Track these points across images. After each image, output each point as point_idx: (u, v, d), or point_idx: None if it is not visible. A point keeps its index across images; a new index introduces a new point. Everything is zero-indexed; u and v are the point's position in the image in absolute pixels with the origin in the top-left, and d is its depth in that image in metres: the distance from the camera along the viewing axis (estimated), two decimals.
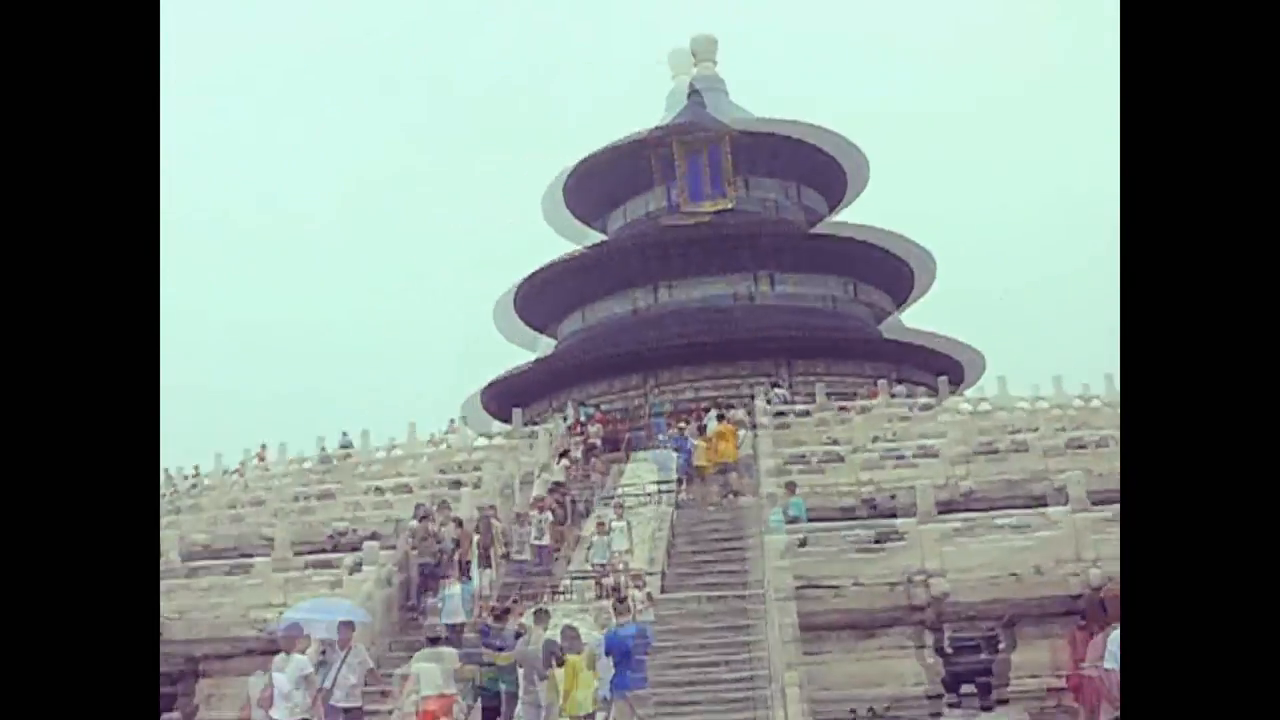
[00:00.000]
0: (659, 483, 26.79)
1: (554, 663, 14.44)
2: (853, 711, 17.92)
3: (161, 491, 36.04)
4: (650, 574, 20.29)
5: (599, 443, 32.31)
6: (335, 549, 25.13)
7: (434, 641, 15.73)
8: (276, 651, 14.48)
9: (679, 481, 27.11)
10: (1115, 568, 15.94)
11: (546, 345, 53.63)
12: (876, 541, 20.06)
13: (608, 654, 14.37)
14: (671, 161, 50.60)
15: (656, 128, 52.58)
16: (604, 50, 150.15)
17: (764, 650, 17.17)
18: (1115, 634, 11.88)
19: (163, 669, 19.03)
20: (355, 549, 22.54)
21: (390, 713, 14.86)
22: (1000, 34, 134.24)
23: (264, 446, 39.05)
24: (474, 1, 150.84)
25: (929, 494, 20.17)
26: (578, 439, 32.44)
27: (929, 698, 17.29)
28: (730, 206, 49.90)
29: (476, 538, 21.00)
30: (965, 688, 16.57)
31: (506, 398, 45.65)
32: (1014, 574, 18.69)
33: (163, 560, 23.36)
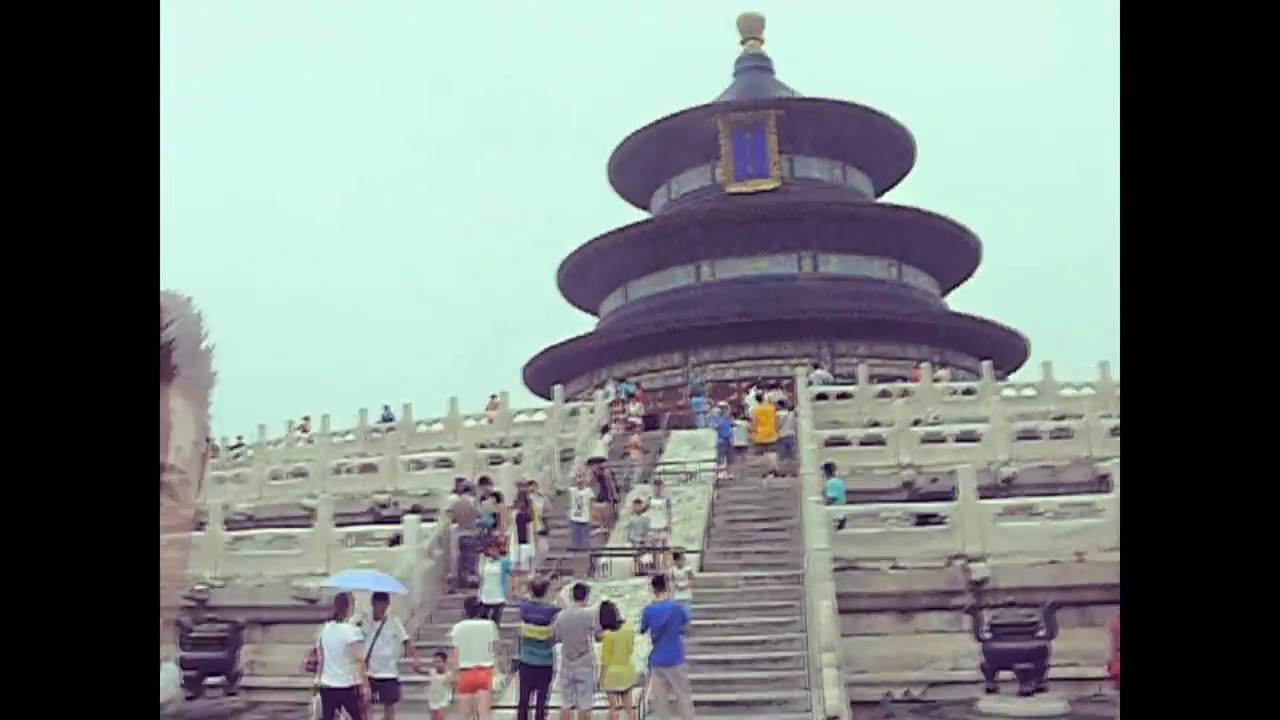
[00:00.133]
0: (698, 461, 26.77)
1: (592, 637, 14.48)
2: (890, 693, 17.86)
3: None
4: (690, 552, 20.29)
5: (639, 421, 32.31)
6: (376, 521, 25.35)
7: (473, 613, 15.82)
8: (317, 619, 14.66)
9: (719, 461, 27.08)
10: None
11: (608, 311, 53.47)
12: (917, 524, 19.96)
13: (645, 630, 14.38)
14: (717, 139, 50.36)
15: (702, 105, 52.32)
16: (604, 50, 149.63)
17: (802, 630, 17.14)
18: None
19: (207, 634, 19.31)
20: (396, 521, 22.71)
21: (428, 683, 14.97)
22: (1042, 6, 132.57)
23: (307, 418, 39.41)
24: (474, 1, 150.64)
25: (971, 477, 20.02)
26: (618, 416, 32.47)
27: (967, 683, 17.19)
28: (775, 185, 49.63)
29: (515, 513, 21.07)
30: (1004, 673, 16.43)
31: (547, 374, 45.78)
32: (1055, 560, 18.54)
33: (207, 529, 23.68)
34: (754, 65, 56.32)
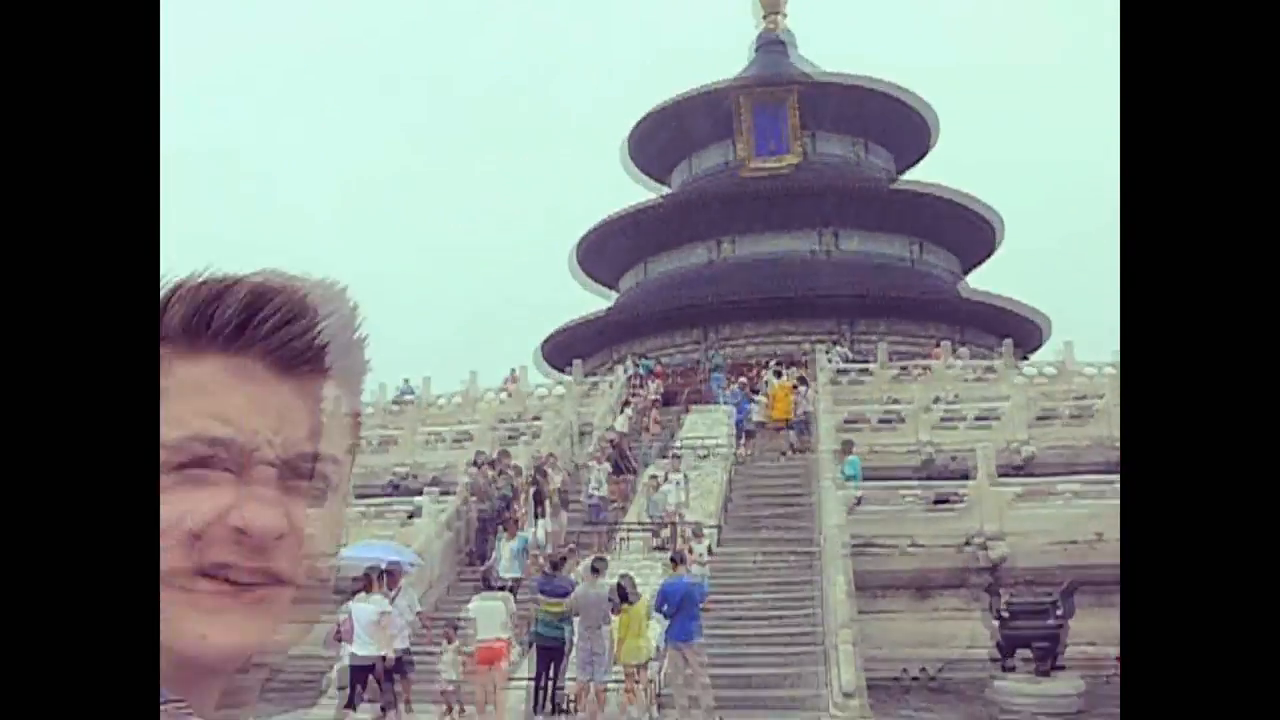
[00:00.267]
0: (716, 438, 26.79)
1: (609, 612, 14.55)
2: (905, 672, 17.91)
3: None
4: (708, 528, 20.34)
5: (657, 397, 32.32)
6: (395, 494, 25.47)
7: (489, 588, 15.91)
8: (336, 591, 14.75)
9: (736, 438, 27.10)
10: None
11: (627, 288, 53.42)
12: (936, 503, 19.96)
13: (663, 605, 14.44)
14: (738, 115, 50.15)
15: (723, 82, 52.08)
16: (604, 50, 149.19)
17: (819, 607, 17.18)
18: None
19: None
20: (415, 495, 22.82)
21: (442, 654, 15.08)
22: None
23: None
24: (474, 1, 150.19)
25: (989, 458, 19.99)
26: (637, 392, 32.48)
27: (983, 662, 17.21)
28: (796, 162, 49.41)
29: (532, 490, 21.13)
30: (1022, 653, 16.44)
31: (566, 350, 45.80)
32: (1074, 541, 18.50)
33: None
34: (773, 43, 55.96)
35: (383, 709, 14.26)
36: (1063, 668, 16.24)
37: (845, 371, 31.89)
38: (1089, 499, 19.04)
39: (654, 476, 22.16)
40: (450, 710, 14.94)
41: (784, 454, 26.57)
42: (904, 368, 31.71)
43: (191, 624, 0.78)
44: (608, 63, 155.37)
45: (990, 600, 17.01)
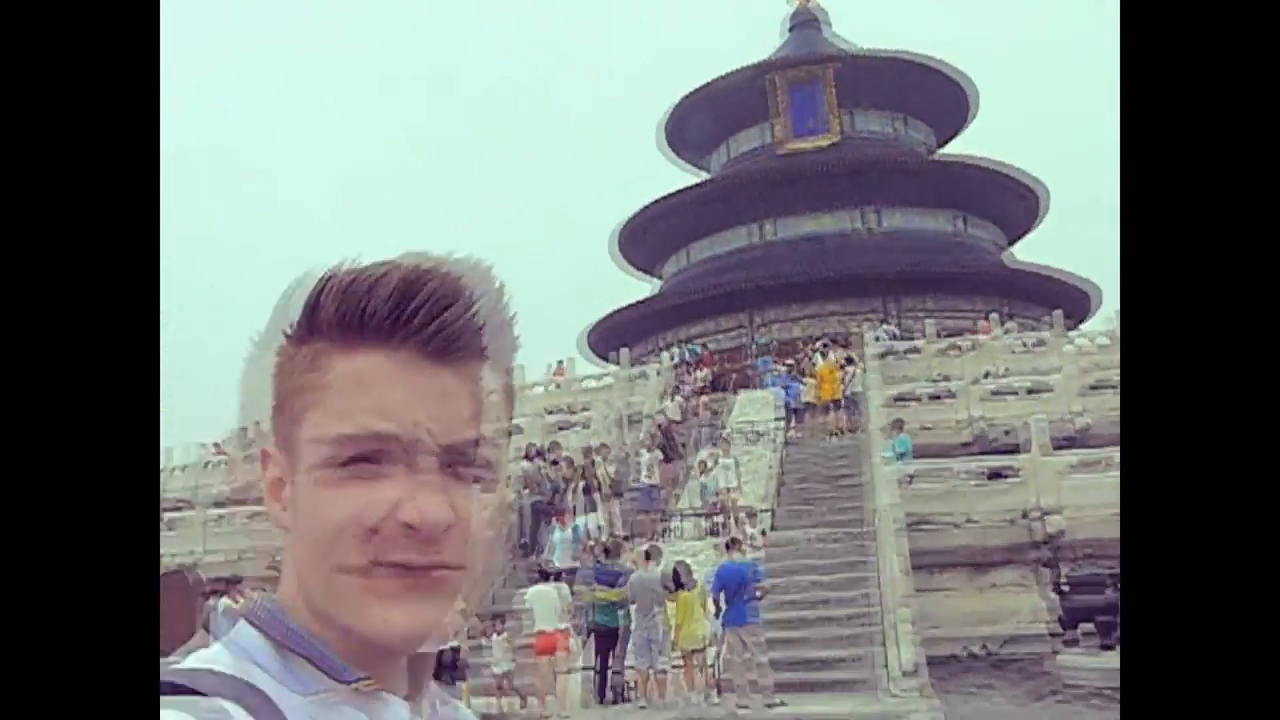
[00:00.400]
0: (766, 421, 26.73)
1: (663, 598, 14.58)
2: (965, 649, 17.78)
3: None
4: (761, 511, 20.31)
5: (706, 383, 32.30)
6: None
7: (545, 577, 15.97)
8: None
9: (786, 420, 27.02)
10: None
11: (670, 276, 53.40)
12: (990, 478, 19.78)
13: (720, 589, 14.44)
14: (773, 95, 49.87)
15: (759, 62, 51.81)
16: (604, 50, 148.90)
17: (876, 587, 17.11)
18: None
19: None
20: None
21: (490, 649, 15.16)
22: None
23: None
24: (474, 1, 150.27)
25: (1044, 429, 19.78)
26: (684, 379, 32.48)
27: (1045, 636, 17.05)
28: (834, 141, 49.07)
29: (580, 484, 21.14)
30: (1084, 626, 16.26)
31: (612, 338, 45.86)
32: None
33: None
34: (807, 22, 55.58)
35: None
36: None
37: (892, 349, 31.65)
38: None
39: (703, 462, 22.15)
40: (503, 694, 15.00)
41: (833, 434, 26.48)
42: (952, 343, 31.42)
43: (373, 611, 0.82)
44: (608, 63, 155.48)
45: (1049, 574, 16.85)
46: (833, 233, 47.33)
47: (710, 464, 21.77)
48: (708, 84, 51.88)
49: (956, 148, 53.90)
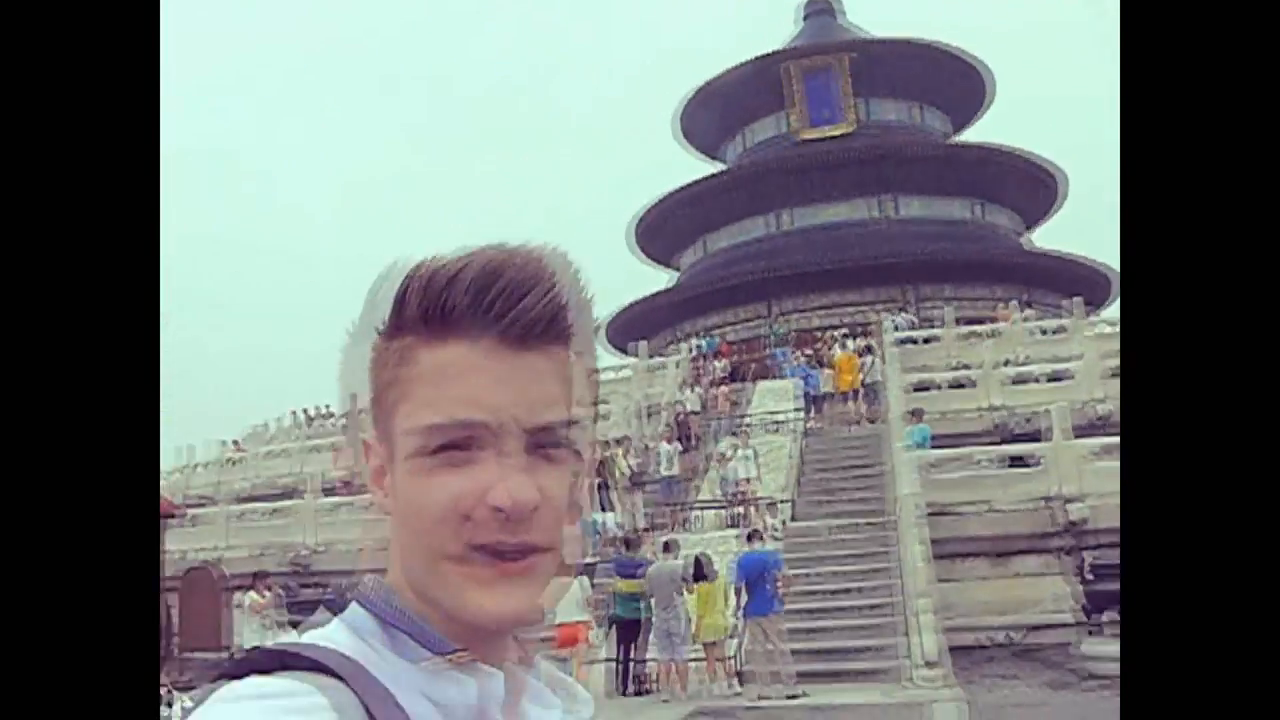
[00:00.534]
0: (785, 411, 26.70)
1: (684, 590, 14.59)
2: (988, 638, 17.72)
3: (297, 431, 37.34)
4: (780, 502, 20.29)
5: (724, 374, 32.29)
6: None
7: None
8: None
9: (805, 410, 26.99)
10: None
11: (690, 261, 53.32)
12: (1010, 466, 19.70)
13: (740, 580, 14.45)
14: (788, 84, 49.72)
15: (773, 52, 51.67)
16: (604, 50, 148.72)
17: (896, 577, 17.07)
18: None
19: (312, 598, 19.87)
20: None
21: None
22: None
23: None
24: (474, 1, 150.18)
25: (1066, 416, 19.66)
26: (703, 370, 32.47)
27: (1068, 625, 16.97)
28: (850, 130, 48.91)
29: (596, 481, 21.08)
30: (1108, 614, 16.17)
31: (629, 330, 45.89)
32: None
33: (305, 497, 24.28)
34: (821, 9, 55.41)
35: None
36: None
37: (911, 338, 31.55)
38: None
39: (721, 453, 22.14)
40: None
41: (852, 424, 26.44)
42: (972, 331, 31.30)
43: (470, 595, 0.87)
44: (608, 63, 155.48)
45: (1072, 562, 16.76)
46: (850, 221, 47.18)
47: (729, 455, 21.75)
48: (722, 74, 51.77)
49: (973, 134, 53.68)
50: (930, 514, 17.56)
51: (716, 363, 33.49)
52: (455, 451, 0.86)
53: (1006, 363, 27.10)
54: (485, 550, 0.86)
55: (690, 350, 35.35)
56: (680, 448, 22.88)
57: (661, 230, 51.76)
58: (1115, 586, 16.10)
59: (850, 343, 30.84)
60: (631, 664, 15.30)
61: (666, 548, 15.28)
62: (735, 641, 15.31)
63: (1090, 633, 16.33)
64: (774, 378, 31.84)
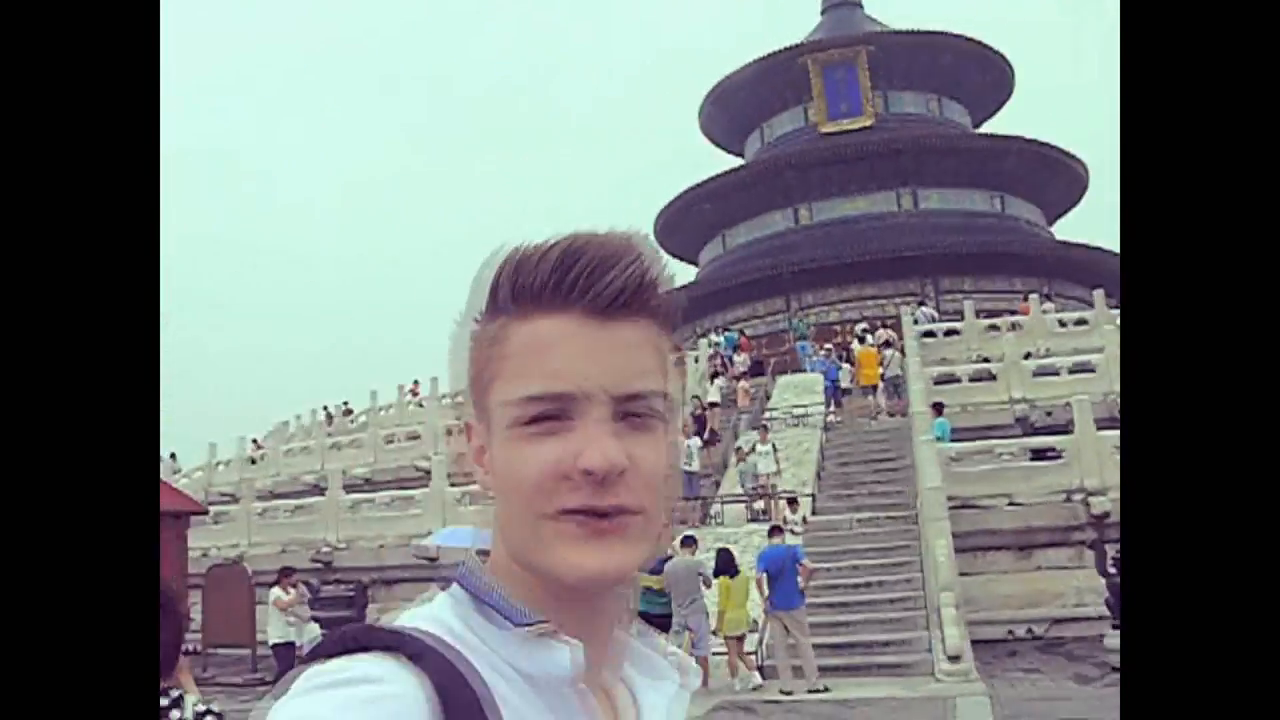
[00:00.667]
0: (806, 405, 26.66)
1: (701, 585, 14.58)
2: (1011, 632, 17.66)
3: (321, 429, 37.51)
4: (802, 495, 20.26)
5: (745, 369, 32.26)
6: None
7: None
8: (438, 578, 14.91)
9: (826, 404, 26.94)
10: None
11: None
12: (1033, 459, 19.61)
13: (762, 574, 14.43)
14: (807, 79, 49.58)
15: (791, 46, 51.53)
16: (604, 50, 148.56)
17: (919, 571, 17.02)
18: None
19: (334, 594, 19.98)
20: None
21: None
22: None
23: (416, 383, 40.15)
24: (474, 1, 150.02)
25: (1088, 409, 19.55)
26: (719, 368, 32.44)
27: (1093, 619, 16.88)
28: (870, 123, 48.74)
29: None
30: None
31: None
32: None
33: (327, 494, 24.37)
34: (841, 3, 55.25)
35: None
36: None
37: (933, 332, 31.44)
38: None
39: (738, 448, 22.11)
40: None
41: (873, 417, 26.38)
42: (993, 324, 31.17)
43: (564, 553, 0.91)
44: (608, 63, 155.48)
45: (1097, 555, 16.65)
46: (870, 215, 47.05)
47: (748, 449, 21.72)
48: (741, 69, 51.69)
49: (994, 126, 53.42)
50: (953, 507, 17.50)
51: (737, 356, 33.45)
52: (548, 422, 0.91)
53: (1028, 355, 26.98)
54: (579, 512, 0.91)
55: (710, 345, 35.32)
56: (700, 443, 22.88)
57: (681, 225, 51.71)
58: None
59: (870, 336, 30.78)
60: None
61: (684, 543, 15.28)
62: (758, 636, 15.31)
63: (1114, 626, 16.22)
64: (795, 372, 31.80)
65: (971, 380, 25.76)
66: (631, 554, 0.93)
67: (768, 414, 26.33)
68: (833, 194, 47.58)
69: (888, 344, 29.19)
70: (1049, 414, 23.51)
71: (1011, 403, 24.75)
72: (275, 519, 25.33)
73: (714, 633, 14.70)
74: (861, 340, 30.45)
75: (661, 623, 15.21)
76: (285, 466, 32.81)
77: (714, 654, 14.81)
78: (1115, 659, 15.54)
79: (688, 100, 52.60)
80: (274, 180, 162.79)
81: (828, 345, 33.08)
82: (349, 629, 0.91)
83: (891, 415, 25.87)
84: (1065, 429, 20.22)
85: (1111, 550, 16.48)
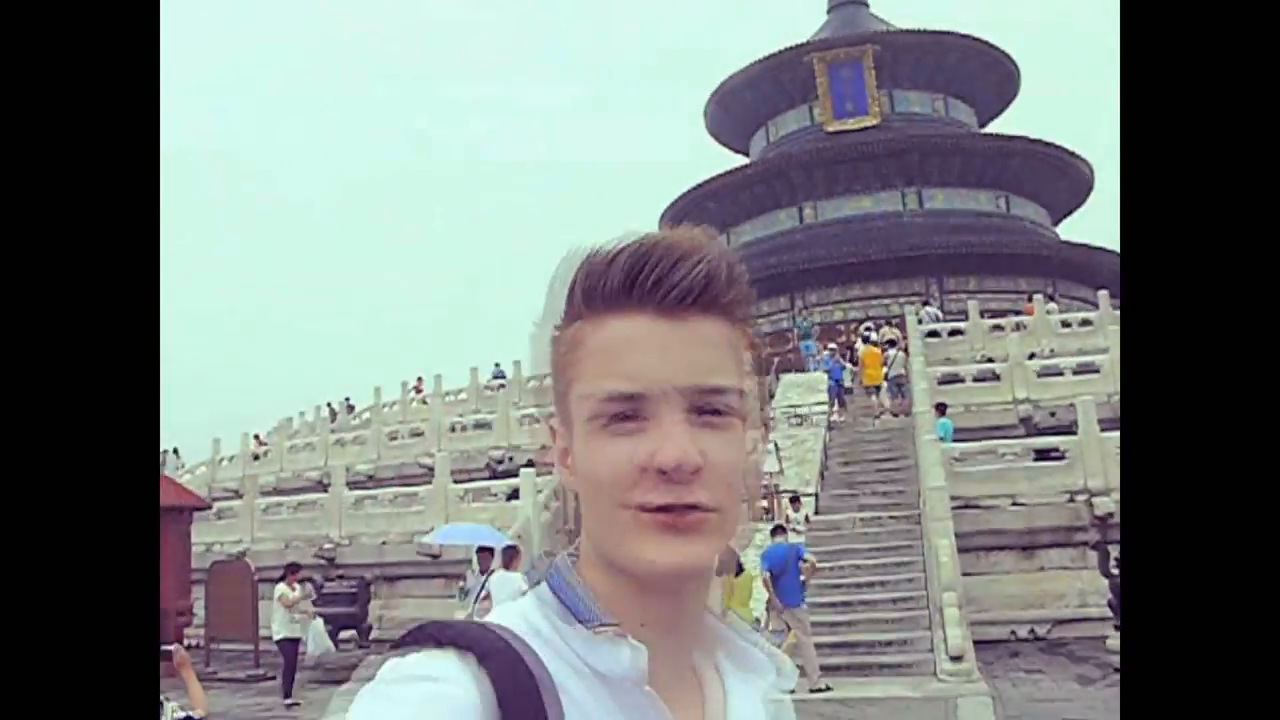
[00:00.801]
0: (810, 404, 26.64)
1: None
2: (1014, 633, 17.65)
3: (324, 425, 37.54)
4: (805, 495, 20.25)
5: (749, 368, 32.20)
6: (493, 476, 25.79)
7: None
8: (441, 574, 14.97)
9: (830, 403, 26.92)
10: None
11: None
12: (1036, 459, 19.60)
13: (765, 573, 14.43)
14: (813, 78, 49.53)
15: (796, 45, 51.48)
16: (605, 50, 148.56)
17: (922, 571, 17.02)
18: None
19: (338, 590, 20.00)
20: (512, 475, 23.07)
21: None
22: None
23: (420, 380, 40.18)
24: (475, 1, 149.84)
25: (1091, 410, 19.54)
26: None
27: (1096, 620, 16.87)
28: (875, 122, 48.69)
29: None
30: None
31: None
32: None
33: (331, 490, 24.40)
34: (847, 2, 55.18)
35: None
36: None
37: (937, 331, 31.42)
38: None
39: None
40: None
41: (878, 417, 26.37)
42: (997, 324, 31.15)
43: (640, 547, 0.93)
44: (608, 62, 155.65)
45: (1101, 556, 16.63)
46: (875, 214, 47.01)
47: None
48: (747, 68, 51.64)
49: (1000, 126, 53.35)
50: (956, 507, 17.49)
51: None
52: (625, 422, 0.93)
53: (1032, 356, 26.96)
54: (655, 509, 0.92)
55: None
56: None
57: (686, 224, 51.60)
58: None
59: (874, 335, 30.75)
60: None
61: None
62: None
63: (1116, 628, 16.21)
64: (800, 371, 31.78)
65: (975, 380, 25.74)
66: (705, 550, 0.95)
67: (770, 413, 26.31)
68: (838, 193, 47.54)
69: (892, 343, 29.18)
70: (1053, 414, 23.49)
71: (1015, 403, 24.73)
72: (278, 515, 25.36)
73: None
74: (866, 339, 30.44)
75: None
76: (289, 463, 32.84)
77: None
78: (1118, 660, 15.53)
79: (698, 97, 52.46)
80: (274, 180, 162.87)
81: (832, 344, 33.04)
82: (433, 624, 0.94)
83: (895, 415, 25.85)
84: (1069, 430, 20.20)
85: (1114, 551, 16.46)
